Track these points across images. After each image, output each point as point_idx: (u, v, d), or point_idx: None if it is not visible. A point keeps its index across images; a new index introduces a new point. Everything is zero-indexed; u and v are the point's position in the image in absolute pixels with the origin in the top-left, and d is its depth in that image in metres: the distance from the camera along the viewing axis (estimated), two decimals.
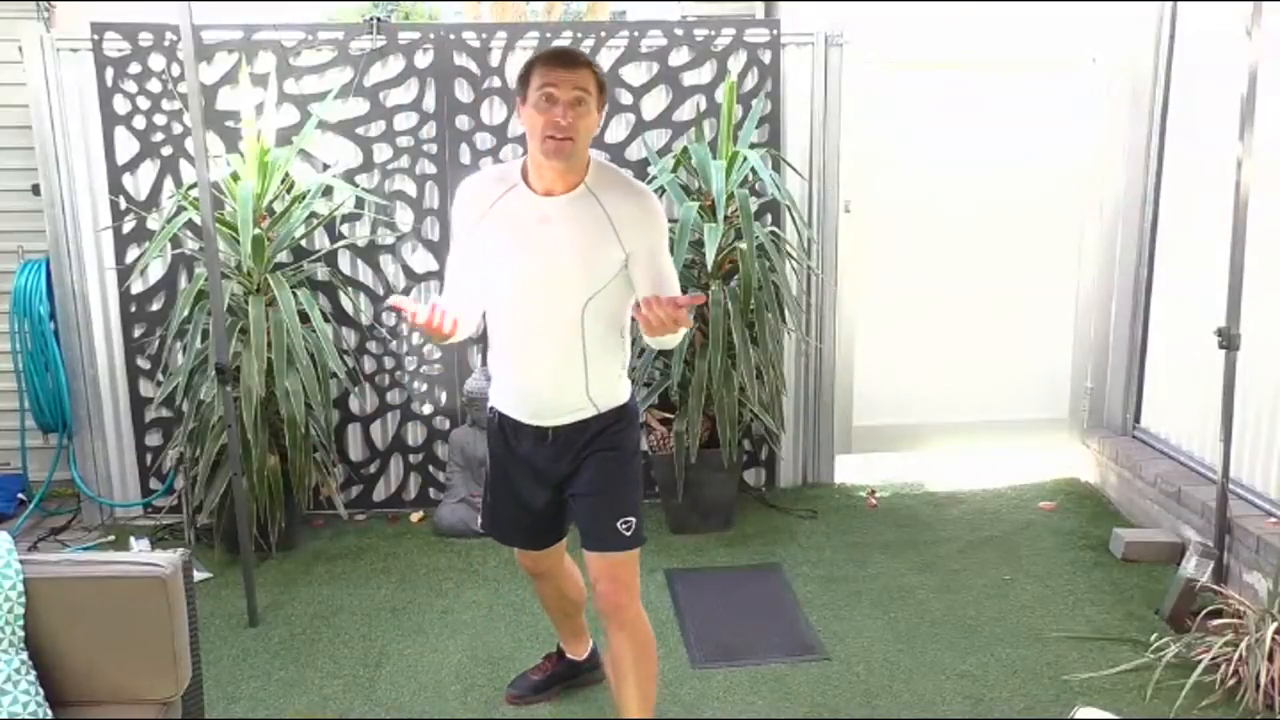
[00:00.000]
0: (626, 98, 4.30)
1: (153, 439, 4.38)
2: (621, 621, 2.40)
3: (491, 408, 2.53)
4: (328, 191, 4.17)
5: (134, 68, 4.13)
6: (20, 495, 4.54)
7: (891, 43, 4.51)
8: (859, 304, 4.67)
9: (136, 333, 4.29)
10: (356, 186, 4.20)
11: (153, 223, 4.14)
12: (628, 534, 2.37)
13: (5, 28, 4.23)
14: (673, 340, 2.24)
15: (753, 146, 4.16)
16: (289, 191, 4.07)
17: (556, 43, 4.22)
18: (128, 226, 4.21)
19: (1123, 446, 4.41)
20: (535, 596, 3.01)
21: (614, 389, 2.40)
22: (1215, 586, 3.24)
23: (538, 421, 2.40)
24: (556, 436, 2.40)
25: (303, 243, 4.17)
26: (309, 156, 4.22)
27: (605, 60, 4.25)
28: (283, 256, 4.12)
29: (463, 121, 4.27)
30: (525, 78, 2.21)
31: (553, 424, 2.39)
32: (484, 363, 4.38)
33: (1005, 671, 3.10)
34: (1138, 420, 4.56)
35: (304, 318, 3.91)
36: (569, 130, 2.14)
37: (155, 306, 4.28)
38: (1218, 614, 3.06)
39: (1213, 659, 2.88)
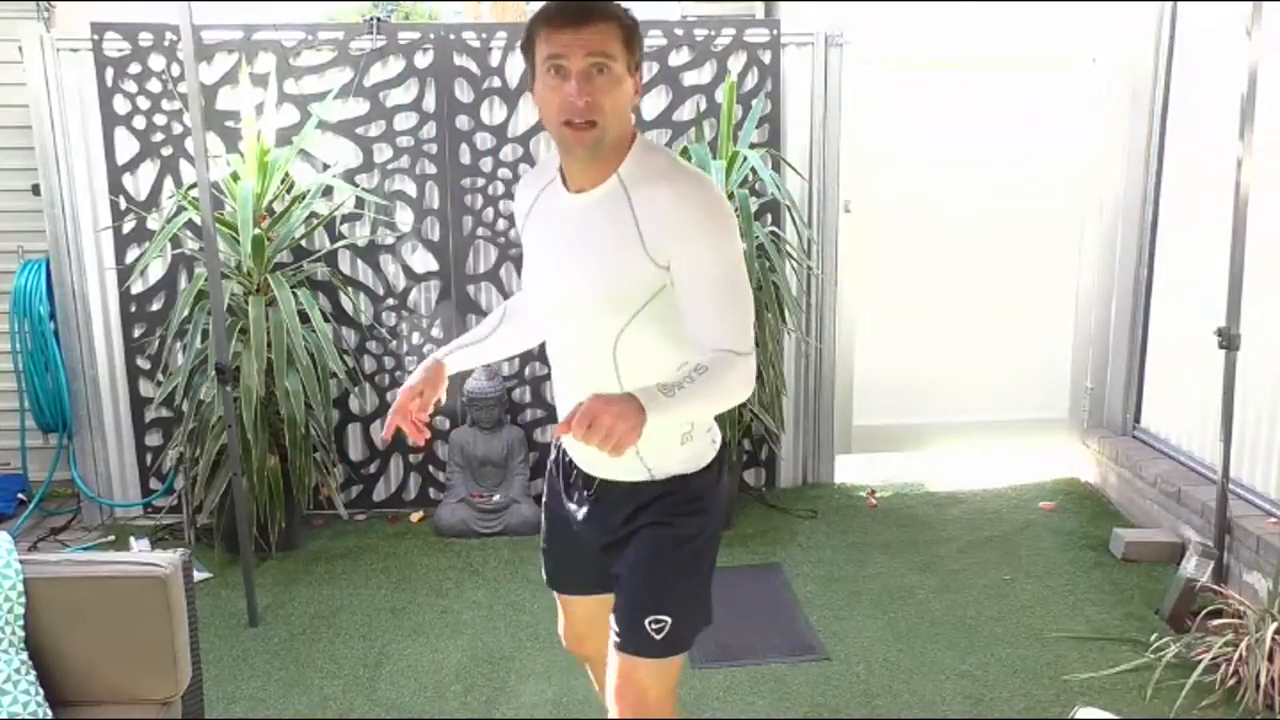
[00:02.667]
0: None
1: (153, 439, 4.38)
2: None
3: (556, 441, 2.08)
4: (328, 191, 4.17)
5: (134, 68, 4.13)
6: (20, 495, 4.54)
7: (891, 43, 4.51)
8: (859, 304, 4.67)
9: (136, 333, 4.29)
10: (356, 186, 4.20)
11: (153, 223, 4.14)
12: (657, 636, 1.81)
13: (5, 28, 4.23)
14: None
15: (753, 146, 4.16)
16: (289, 191, 4.07)
17: None
18: (128, 226, 4.21)
19: (1123, 446, 4.41)
20: (583, 669, 2.48)
21: (675, 452, 1.85)
22: (1215, 586, 3.24)
23: (585, 467, 1.95)
24: (603, 493, 1.91)
25: (303, 243, 4.17)
26: (309, 156, 4.22)
27: None
28: (283, 256, 4.12)
29: (463, 121, 4.27)
30: (527, 46, 1.72)
31: (596, 475, 1.92)
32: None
33: (1005, 671, 3.10)
34: (1138, 420, 4.56)
35: (304, 318, 3.91)
36: (588, 111, 1.65)
37: (155, 306, 4.28)
38: (1218, 614, 3.06)
39: (1213, 659, 2.88)
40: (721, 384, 1.61)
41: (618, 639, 1.85)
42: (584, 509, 1.95)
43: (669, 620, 1.81)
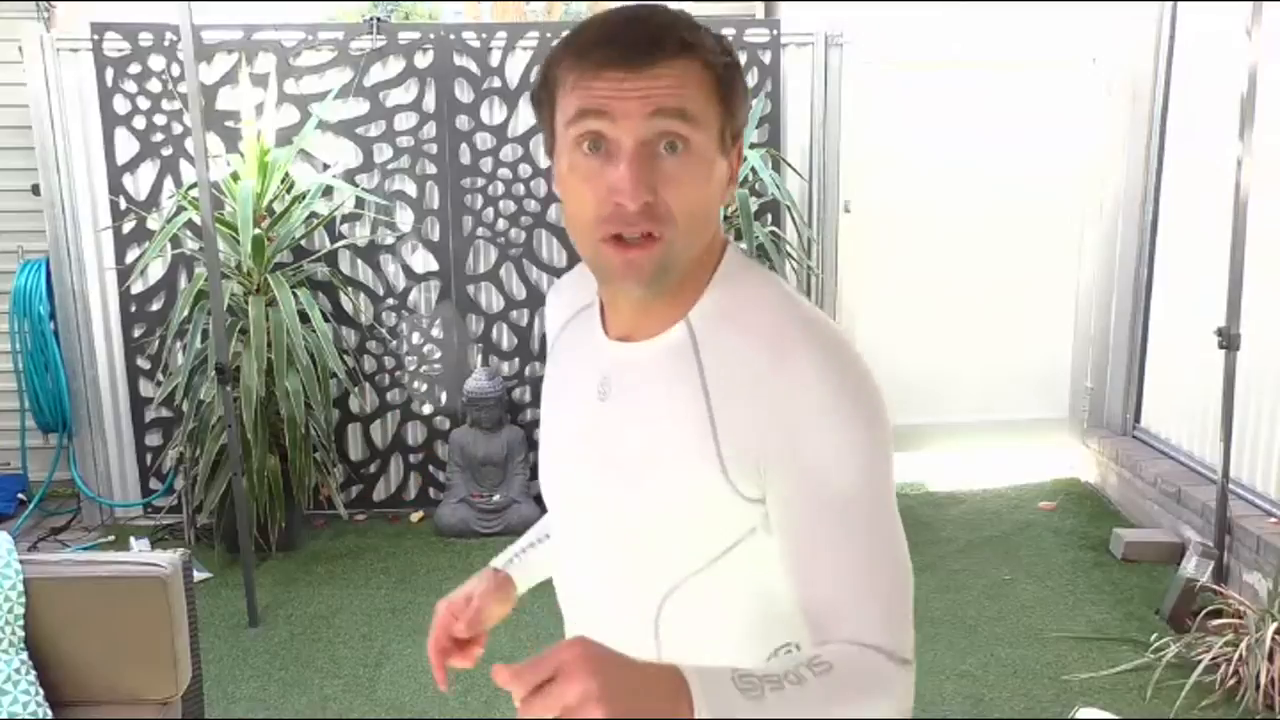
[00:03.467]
0: None
1: (153, 439, 4.38)
2: None
3: None
4: (328, 191, 4.17)
5: (134, 68, 4.13)
6: (20, 495, 4.54)
7: (891, 43, 4.51)
8: (859, 304, 4.67)
9: (136, 333, 4.29)
10: (356, 186, 4.20)
11: (153, 223, 4.14)
12: None
13: (5, 28, 4.23)
14: None
15: (753, 146, 4.16)
16: (289, 191, 4.07)
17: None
18: (128, 227, 4.20)
19: (1123, 446, 4.41)
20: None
21: None
22: (1215, 586, 3.24)
23: None
24: None
25: (303, 243, 4.17)
26: (309, 156, 4.22)
27: None
28: (283, 256, 4.12)
29: (463, 121, 4.27)
30: (546, 92, 1.01)
31: None
32: (484, 362, 4.39)
33: (1005, 671, 3.10)
34: (1138, 420, 4.56)
35: (304, 318, 3.91)
36: (648, 218, 0.96)
37: (155, 306, 4.28)
38: (1218, 614, 3.06)
39: (1213, 659, 2.88)
40: (855, 699, 0.87)
41: None
42: None
43: None
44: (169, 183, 4.20)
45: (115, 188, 4.19)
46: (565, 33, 1.01)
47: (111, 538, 4.23)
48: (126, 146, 4.19)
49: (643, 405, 1.04)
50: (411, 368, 4.42)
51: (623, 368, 1.06)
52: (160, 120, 4.18)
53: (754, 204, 4.13)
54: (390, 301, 4.36)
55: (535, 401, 4.46)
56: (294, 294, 3.84)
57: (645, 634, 1.05)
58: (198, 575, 3.69)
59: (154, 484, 4.42)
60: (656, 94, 0.94)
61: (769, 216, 4.35)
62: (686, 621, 1.04)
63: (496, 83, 4.24)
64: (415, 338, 4.40)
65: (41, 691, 2.06)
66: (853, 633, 0.90)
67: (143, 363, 4.31)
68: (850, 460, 0.94)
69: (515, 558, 1.30)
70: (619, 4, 1.02)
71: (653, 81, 0.94)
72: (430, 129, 4.27)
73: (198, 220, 3.65)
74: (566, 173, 0.99)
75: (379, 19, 4.24)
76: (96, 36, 4.10)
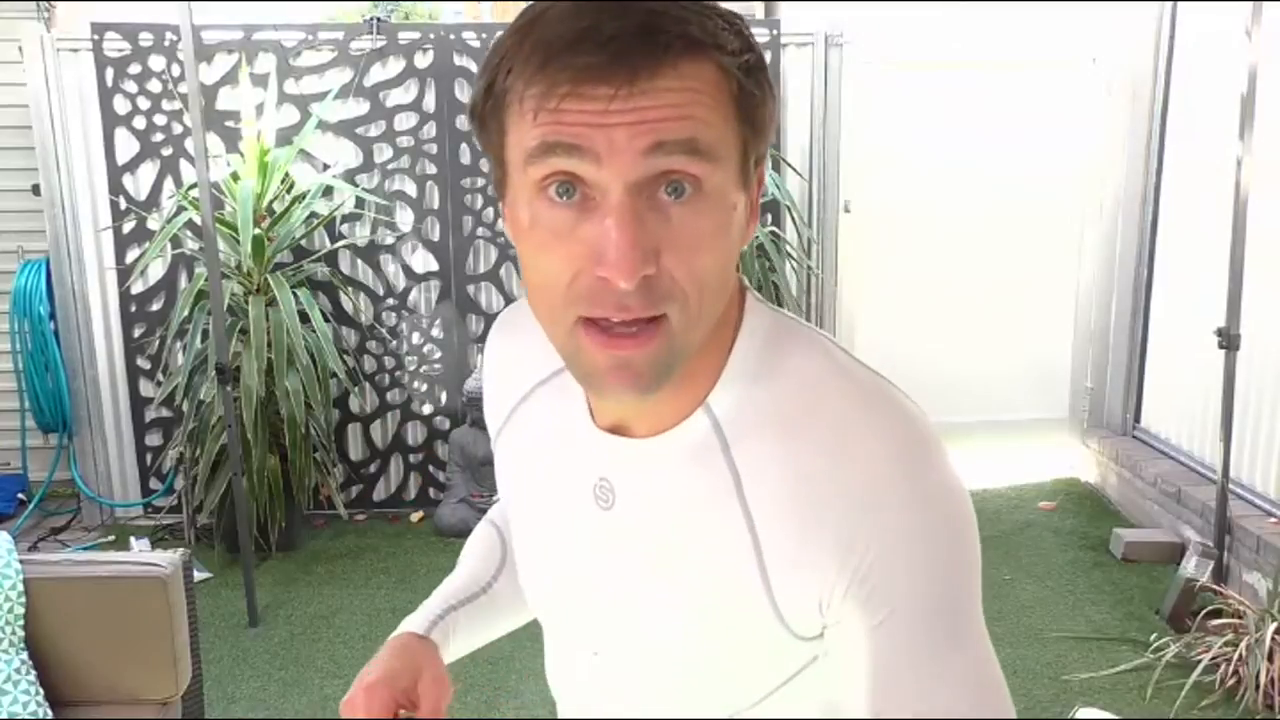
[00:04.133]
0: None
1: (153, 439, 4.38)
2: None
3: None
4: (328, 192, 4.17)
5: (134, 68, 4.13)
6: (20, 495, 4.54)
7: (891, 43, 4.52)
8: (859, 304, 4.67)
9: (136, 333, 4.29)
10: (357, 186, 4.20)
11: (153, 223, 4.14)
12: None
13: (5, 28, 4.22)
14: None
15: None
16: (289, 191, 4.07)
17: None
18: (128, 227, 4.20)
19: (1123, 446, 4.41)
20: None
21: None
22: (1215, 586, 3.24)
23: None
24: None
25: (303, 243, 4.17)
26: (309, 156, 4.22)
27: None
28: (283, 256, 4.12)
29: (463, 121, 4.27)
30: (494, 104, 0.70)
31: None
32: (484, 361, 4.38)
33: (1005, 671, 3.08)
34: (1138, 420, 4.56)
35: (304, 318, 3.91)
36: (648, 296, 0.68)
37: (155, 306, 4.28)
38: (1218, 614, 3.06)
39: (1213, 659, 2.88)
40: None
41: None
42: None
43: None
44: (169, 183, 4.20)
45: (115, 188, 4.19)
46: (522, 13, 0.68)
47: (111, 538, 4.23)
48: (126, 146, 4.19)
49: (663, 527, 0.79)
50: (411, 368, 4.42)
51: (626, 470, 0.81)
52: (160, 120, 4.18)
53: None
54: (390, 301, 4.36)
55: None
56: (294, 294, 3.84)
57: None
58: (198, 575, 3.68)
59: (154, 484, 4.42)
60: (656, 120, 0.65)
61: (769, 216, 4.35)
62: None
63: None
64: (415, 338, 4.40)
65: (41, 691, 2.06)
66: None
67: (143, 363, 4.31)
68: (944, 582, 0.72)
69: (442, 618, 1.05)
70: None
71: (650, 101, 0.64)
72: (430, 129, 4.27)
73: (198, 220, 3.65)
74: (526, 227, 0.69)
75: (379, 19, 4.24)
76: (96, 36, 4.10)
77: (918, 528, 0.70)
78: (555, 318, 0.71)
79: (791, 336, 0.80)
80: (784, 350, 0.78)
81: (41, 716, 2.02)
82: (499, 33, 0.72)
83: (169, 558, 2.18)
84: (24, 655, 2.06)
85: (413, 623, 1.04)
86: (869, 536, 0.70)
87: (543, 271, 0.69)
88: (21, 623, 2.07)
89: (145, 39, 4.11)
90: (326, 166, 4.24)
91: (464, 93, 4.25)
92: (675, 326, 0.69)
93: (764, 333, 0.79)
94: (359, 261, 4.35)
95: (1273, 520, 3.40)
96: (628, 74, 0.63)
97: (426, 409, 4.45)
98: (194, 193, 3.74)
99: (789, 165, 4.32)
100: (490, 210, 4.32)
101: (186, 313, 3.86)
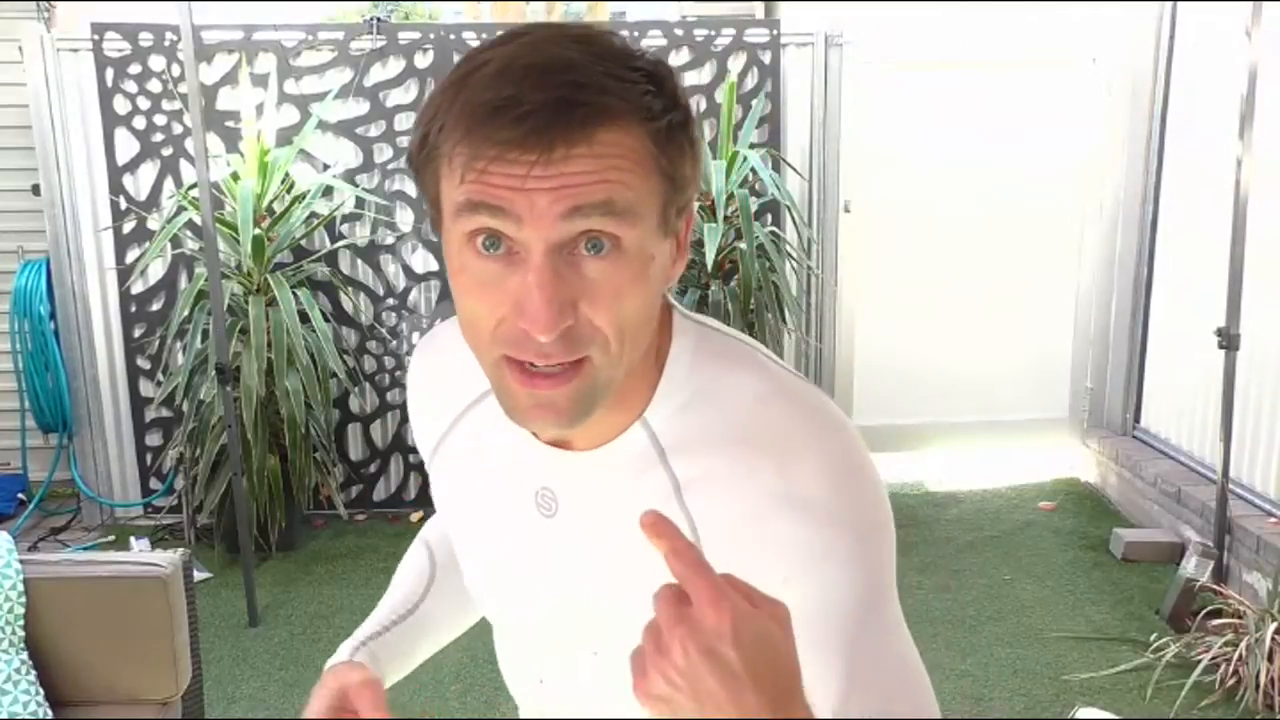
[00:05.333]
0: None
1: (153, 439, 4.38)
2: None
3: None
4: (328, 192, 4.17)
5: (134, 68, 4.13)
6: (20, 495, 4.54)
7: (891, 43, 4.51)
8: (859, 304, 4.67)
9: (136, 333, 4.29)
10: (357, 186, 4.20)
11: (153, 223, 4.14)
12: None
13: (5, 28, 4.22)
14: None
15: (752, 146, 4.16)
16: (289, 191, 4.07)
17: None
18: (128, 227, 4.20)
19: (1123, 446, 4.41)
20: None
21: None
22: (1215, 586, 3.24)
23: None
24: None
25: (303, 243, 4.17)
26: (309, 156, 4.22)
27: None
28: (283, 256, 4.12)
29: None
30: (428, 154, 0.74)
31: None
32: None
33: (1005, 671, 3.10)
34: (1138, 420, 4.56)
35: (304, 318, 3.91)
36: (567, 344, 0.73)
37: (155, 306, 4.28)
38: (1218, 614, 3.06)
39: (1212, 659, 2.88)
40: None
41: None
42: None
43: None
44: (169, 183, 4.20)
45: (115, 188, 4.19)
46: (457, 67, 0.73)
47: (111, 538, 4.23)
48: (126, 146, 4.18)
49: (606, 532, 0.83)
50: None
51: (568, 480, 0.85)
52: (160, 120, 4.18)
53: (754, 204, 4.13)
54: (390, 301, 4.36)
55: None
56: (294, 294, 3.84)
57: None
58: (198, 575, 3.68)
59: (154, 484, 4.42)
60: (574, 186, 0.69)
61: (769, 216, 4.35)
62: None
63: None
64: (415, 338, 4.40)
65: (41, 691, 2.06)
66: None
67: (143, 363, 4.31)
68: (879, 585, 0.79)
69: (370, 641, 1.09)
70: (559, 26, 0.78)
71: (569, 168, 0.68)
72: None
73: (198, 220, 3.64)
74: (456, 270, 0.75)
75: (379, 19, 4.24)
76: (96, 36, 4.10)
77: (849, 538, 0.77)
78: (482, 353, 0.76)
79: (724, 351, 0.84)
80: (718, 365, 0.83)
81: (41, 716, 2.02)
82: (499, 33, 0.76)
83: (169, 558, 2.18)
84: (24, 655, 2.06)
85: (341, 652, 1.09)
86: (804, 546, 0.76)
87: (471, 312, 0.75)
88: (21, 623, 2.07)
89: (145, 39, 4.11)
90: (326, 166, 4.24)
91: None
92: (598, 365, 0.74)
93: (692, 350, 0.83)
94: (359, 261, 4.35)
95: (1273, 520, 3.40)
96: (546, 145, 0.67)
97: None
98: (194, 193, 3.74)
99: (789, 165, 4.32)
100: None
101: (186, 313, 3.86)
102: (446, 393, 0.94)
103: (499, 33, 0.75)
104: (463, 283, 0.74)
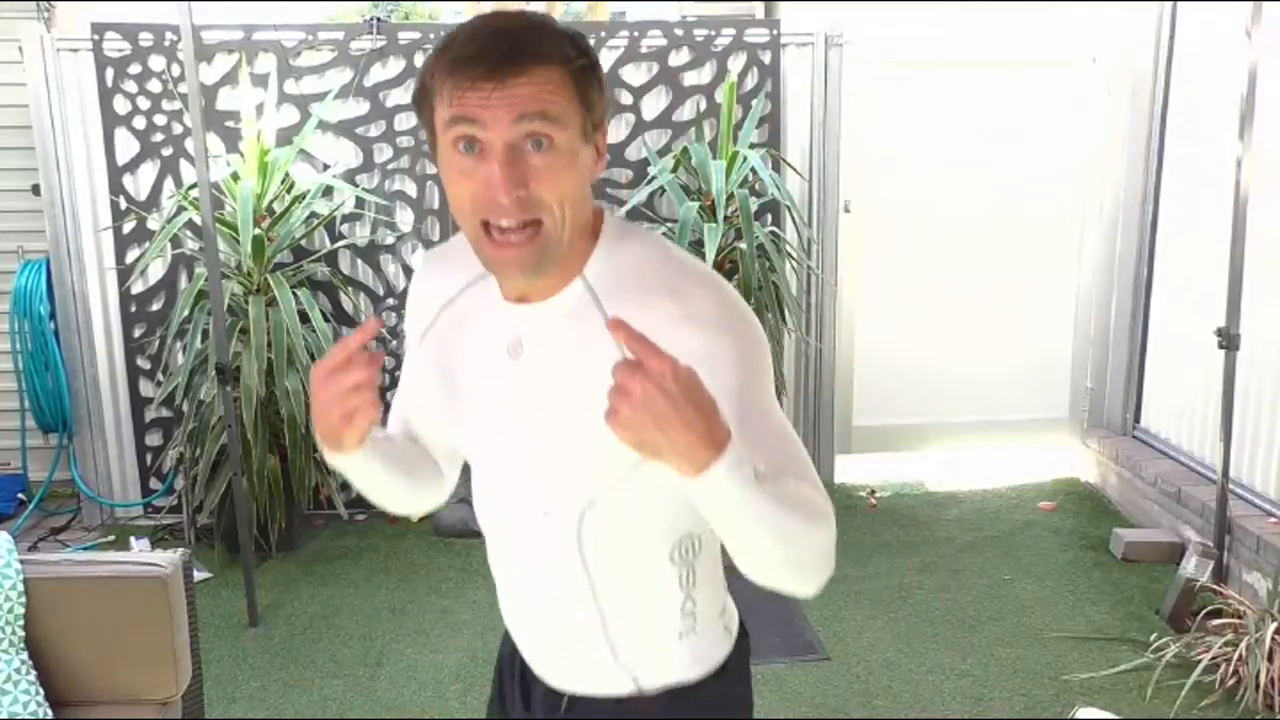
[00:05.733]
0: (626, 98, 4.30)
1: (153, 439, 4.38)
2: None
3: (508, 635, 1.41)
4: (328, 192, 4.17)
5: (134, 68, 4.13)
6: (20, 495, 4.54)
7: (891, 43, 4.52)
8: (859, 304, 4.67)
9: (136, 333, 4.29)
10: (357, 186, 4.21)
11: (153, 223, 4.14)
12: None
13: (5, 28, 4.22)
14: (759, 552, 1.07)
15: (752, 146, 4.16)
16: (289, 191, 4.07)
17: None
18: (128, 227, 4.21)
19: (1123, 446, 4.41)
20: None
21: (670, 650, 1.27)
22: (1215, 586, 3.24)
23: (547, 677, 1.32)
24: (572, 708, 1.30)
25: (303, 243, 4.17)
26: (309, 156, 4.22)
27: (605, 60, 4.24)
28: (283, 256, 4.12)
29: None
30: (425, 94, 1.11)
31: (566, 688, 1.31)
32: None
33: (1005, 671, 3.10)
34: (1138, 420, 4.56)
35: (304, 318, 3.91)
36: (522, 207, 1.07)
37: (155, 306, 4.28)
38: (1218, 614, 3.07)
39: (1212, 659, 2.89)
40: (805, 519, 1.06)
41: None
42: None
43: None
44: (169, 183, 4.20)
45: (115, 188, 4.19)
46: (441, 40, 1.10)
47: (111, 538, 4.23)
48: (126, 146, 4.19)
49: (558, 358, 1.16)
50: None
51: (531, 327, 1.18)
52: (160, 120, 4.18)
53: (754, 204, 4.13)
54: (390, 301, 4.37)
55: None
56: (294, 294, 3.84)
57: (570, 546, 1.20)
58: (198, 575, 3.69)
59: (154, 484, 4.42)
60: (520, 101, 1.05)
61: (769, 216, 4.35)
62: (605, 527, 1.19)
63: None
64: None
65: (41, 691, 2.06)
66: (806, 488, 1.09)
67: (143, 363, 4.31)
68: (757, 374, 1.13)
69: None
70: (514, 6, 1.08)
71: (516, 90, 1.04)
72: None
73: (198, 220, 3.65)
74: (445, 168, 1.11)
75: (379, 19, 4.24)
76: (96, 36, 4.10)
77: (734, 340, 1.10)
78: (465, 222, 1.10)
79: (638, 233, 1.21)
80: (634, 242, 1.19)
81: (41, 716, 2.02)
82: (473, 17, 1.07)
83: (169, 558, 2.18)
84: (24, 655, 2.06)
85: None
86: (709, 349, 1.07)
87: (458, 196, 1.10)
88: (21, 623, 2.07)
89: (145, 39, 4.11)
90: (326, 166, 4.24)
91: None
92: (548, 228, 1.08)
93: (616, 233, 1.19)
94: (359, 261, 4.35)
95: (1273, 520, 3.40)
96: (500, 78, 1.04)
97: None
98: (194, 193, 3.74)
99: (789, 165, 4.32)
100: None
101: (186, 313, 3.86)
102: (442, 285, 1.30)
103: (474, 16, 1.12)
104: (451, 175, 1.09)
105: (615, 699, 1.27)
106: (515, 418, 1.20)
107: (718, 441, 0.96)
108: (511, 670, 1.39)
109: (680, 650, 1.26)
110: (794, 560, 1.08)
